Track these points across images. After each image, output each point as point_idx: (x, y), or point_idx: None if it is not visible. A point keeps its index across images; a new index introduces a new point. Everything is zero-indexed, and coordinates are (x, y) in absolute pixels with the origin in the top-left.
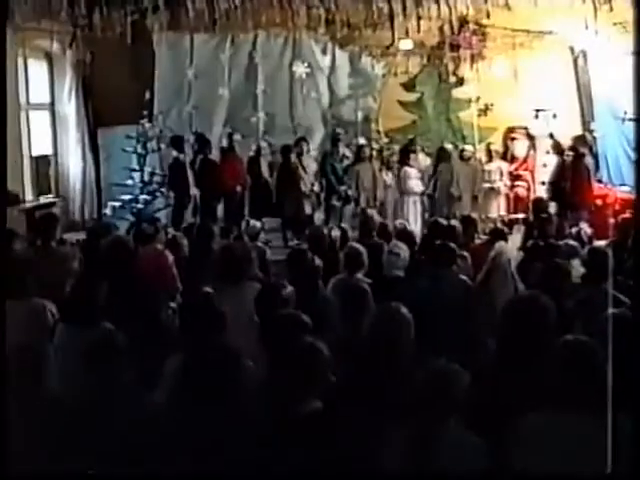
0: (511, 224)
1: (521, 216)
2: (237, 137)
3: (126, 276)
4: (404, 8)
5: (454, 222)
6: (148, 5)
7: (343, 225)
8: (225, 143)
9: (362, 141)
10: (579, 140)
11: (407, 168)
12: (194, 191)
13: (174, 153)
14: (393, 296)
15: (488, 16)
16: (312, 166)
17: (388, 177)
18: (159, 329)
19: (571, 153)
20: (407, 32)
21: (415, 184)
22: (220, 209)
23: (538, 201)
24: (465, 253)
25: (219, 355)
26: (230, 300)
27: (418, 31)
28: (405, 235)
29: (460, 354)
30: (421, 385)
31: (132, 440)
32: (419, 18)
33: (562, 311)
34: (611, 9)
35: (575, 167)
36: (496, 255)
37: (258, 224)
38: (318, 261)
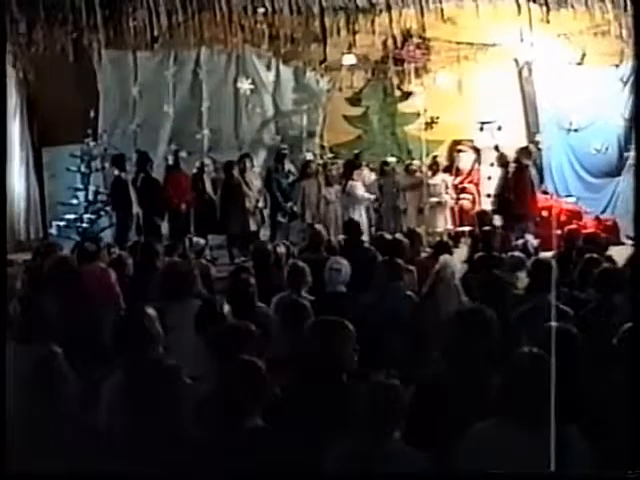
0: (458, 237)
1: (467, 229)
2: (183, 154)
3: (70, 295)
4: (347, 22)
5: (399, 236)
6: (88, 23)
7: (285, 242)
8: (170, 161)
9: (308, 157)
10: (523, 152)
11: (352, 182)
12: (136, 209)
13: (116, 172)
14: (336, 312)
15: (424, 30)
16: (256, 182)
17: (330, 193)
18: (101, 347)
19: (514, 165)
20: (350, 47)
21: (361, 197)
22: (166, 227)
23: (482, 214)
24: (411, 267)
25: (157, 373)
26: (174, 317)
27: (354, 45)
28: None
29: (406, 368)
30: (360, 400)
31: (71, 457)
32: (354, 33)
33: (506, 322)
34: (548, 22)
35: (518, 179)
36: (440, 268)
37: (202, 241)
38: (252, 279)
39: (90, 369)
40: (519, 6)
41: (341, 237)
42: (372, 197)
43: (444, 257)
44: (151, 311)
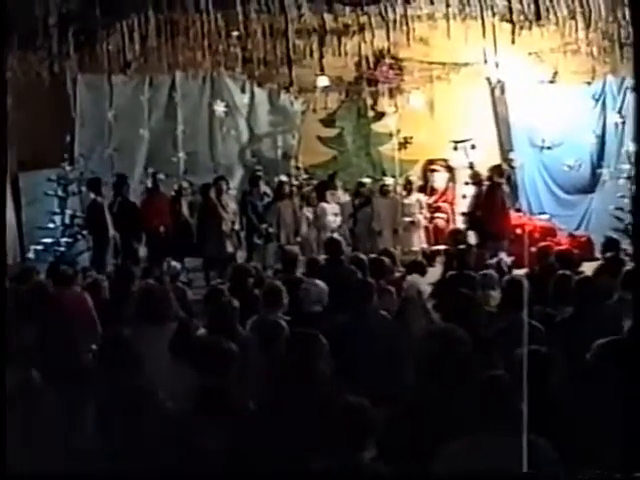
0: (433, 256)
1: (442, 247)
2: (161, 176)
3: (46, 320)
4: (320, 44)
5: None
6: (62, 49)
7: (254, 263)
8: (149, 183)
9: (283, 178)
10: (495, 170)
11: (323, 204)
12: (112, 233)
13: (92, 195)
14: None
15: (389, 51)
16: (232, 205)
17: (309, 213)
18: (79, 372)
19: (487, 183)
20: (323, 68)
21: (332, 220)
22: (144, 250)
23: (455, 232)
24: (391, 287)
25: (134, 397)
26: (150, 340)
27: (327, 67)
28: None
29: (380, 388)
30: (332, 420)
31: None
32: (321, 58)
33: (479, 341)
34: (513, 41)
35: (491, 197)
36: (408, 288)
37: (178, 265)
38: (236, 302)
39: (68, 393)
40: (491, 25)
41: (322, 257)
42: (338, 223)
43: (411, 277)
44: (130, 335)
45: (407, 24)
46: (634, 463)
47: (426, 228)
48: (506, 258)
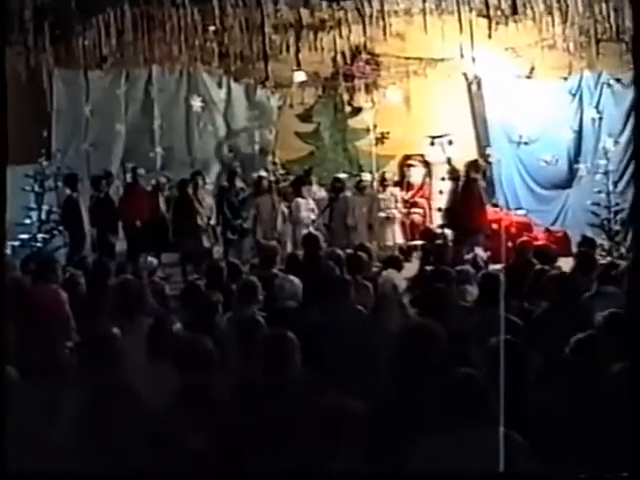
0: (410, 251)
1: (419, 243)
2: (141, 171)
3: (21, 316)
4: (297, 39)
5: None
6: (37, 43)
7: (231, 259)
8: (128, 178)
9: (262, 173)
10: (471, 166)
11: (298, 199)
12: (88, 228)
13: (67, 191)
14: (283, 327)
15: (365, 46)
16: (208, 200)
17: (285, 209)
18: (55, 368)
19: (464, 179)
20: (300, 63)
21: (306, 216)
22: (123, 245)
23: (427, 231)
24: (367, 283)
25: (111, 392)
26: (126, 336)
27: (298, 65)
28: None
29: (355, 383)
30: (309, 418)
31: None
32: (297, 53)
33: (456, 335)
34: (490, 36)
35: (467, 192)
36: (383, 283)
37: (155, 261)
38: (216, 296)
39: (45, 390)
40: (467, 21)
41: (300, 252)
42: (313, 218)
43: (387, 272)
44: (107, 330)
45: (384, 19)
46: (618, 461)
47: (403, 223)
48: (482, 253)
